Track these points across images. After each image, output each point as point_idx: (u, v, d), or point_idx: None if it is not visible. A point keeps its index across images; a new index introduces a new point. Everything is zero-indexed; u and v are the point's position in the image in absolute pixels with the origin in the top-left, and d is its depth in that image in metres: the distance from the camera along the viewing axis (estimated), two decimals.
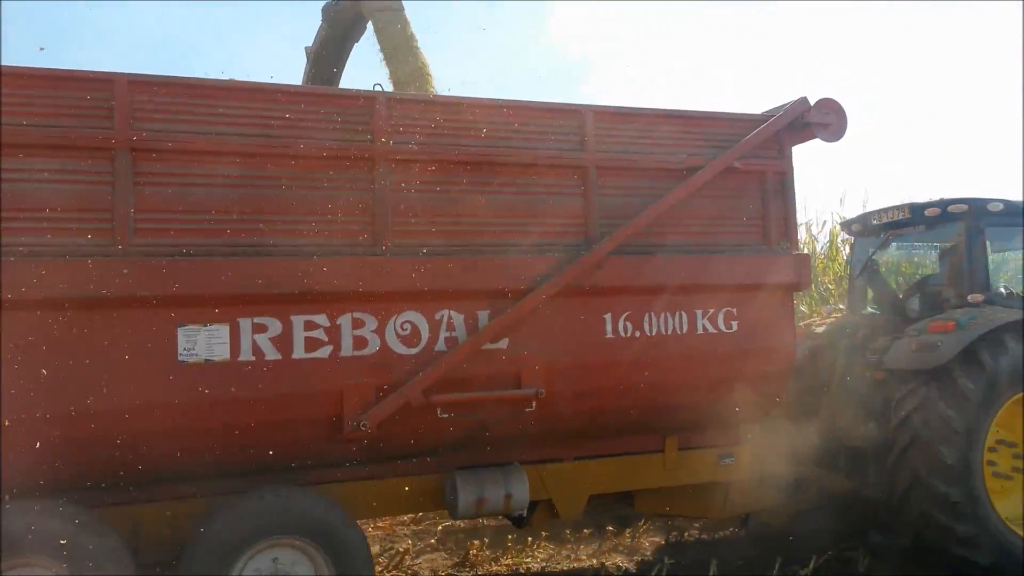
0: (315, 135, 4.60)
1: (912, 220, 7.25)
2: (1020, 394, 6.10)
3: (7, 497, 4.04)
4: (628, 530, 7.40)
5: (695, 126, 5.51)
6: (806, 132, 5.69)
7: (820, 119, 5.63)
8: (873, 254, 7.73)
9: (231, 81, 4.50)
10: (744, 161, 5.51)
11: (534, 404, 4.90)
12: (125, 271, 4.18)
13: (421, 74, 6.69)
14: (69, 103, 4.22)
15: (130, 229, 4.23)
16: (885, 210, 7.49)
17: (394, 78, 6.90)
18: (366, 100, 4.74)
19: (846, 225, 8.32)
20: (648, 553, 7.15)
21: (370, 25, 7.39)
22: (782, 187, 5.69)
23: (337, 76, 8.49)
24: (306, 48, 8.52)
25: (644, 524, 7.44)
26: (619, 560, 6.91)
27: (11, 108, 4.11)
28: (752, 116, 5.71)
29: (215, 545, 4.33)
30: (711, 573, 5.98)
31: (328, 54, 8.32)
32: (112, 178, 4.23)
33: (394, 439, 4.73)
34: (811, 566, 6.06)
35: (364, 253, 4.66)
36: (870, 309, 7.87)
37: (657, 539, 7.49)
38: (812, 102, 5.62)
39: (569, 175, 5.14)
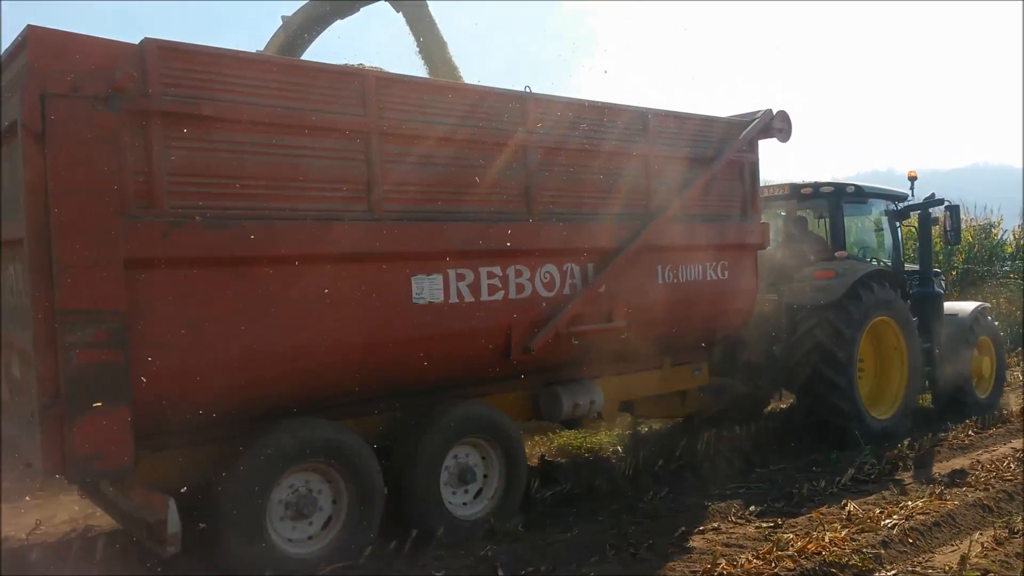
0: (493, 125, 5.88)
1: (789, 196, 9.81)
2: (875, 319, 8.86)
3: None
4: None
5: (706, 126, 7.43)
6: (767, 134, 7.85)
7: (778, 125, 7.82)
8: None
9: (444, 81, 5.62)
10: (734, 154, 7.54)
11: (625, 333, 6.62)
12: (384, 232, 5.26)
13: (450, 67, 7.88)
14: (332, 93, 5.15)
15: (381, 199, 5.29)
16: (767, 186, 9.97)
17: (429, 69, 8.01)
18: (514, 98, 6.06)
19: None
20: None
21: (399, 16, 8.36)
22: (753, 173, 7.82)
23: (306, 44, 9.25)
24: (283, 16, 9.14)
25: None
26: None
27: (289, 94, 4.98)
28: (738, 120, 7.75)
29: (434, 442, 5.61)
30: None
31: (308, 26, 9.05)
32: (366, 156, 5.25)
33: (535, 361, 6.21)
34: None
35: (522, 219, 6.04)
36: None
37: None
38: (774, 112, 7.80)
39: (638, 161, 6.82)
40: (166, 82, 4.47)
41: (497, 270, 5.90)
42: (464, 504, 5.89)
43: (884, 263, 10.21)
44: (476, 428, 5.89)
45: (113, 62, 4.30)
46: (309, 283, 4.99)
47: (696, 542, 5.65)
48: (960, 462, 7.85)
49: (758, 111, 7.80)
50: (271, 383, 4.94)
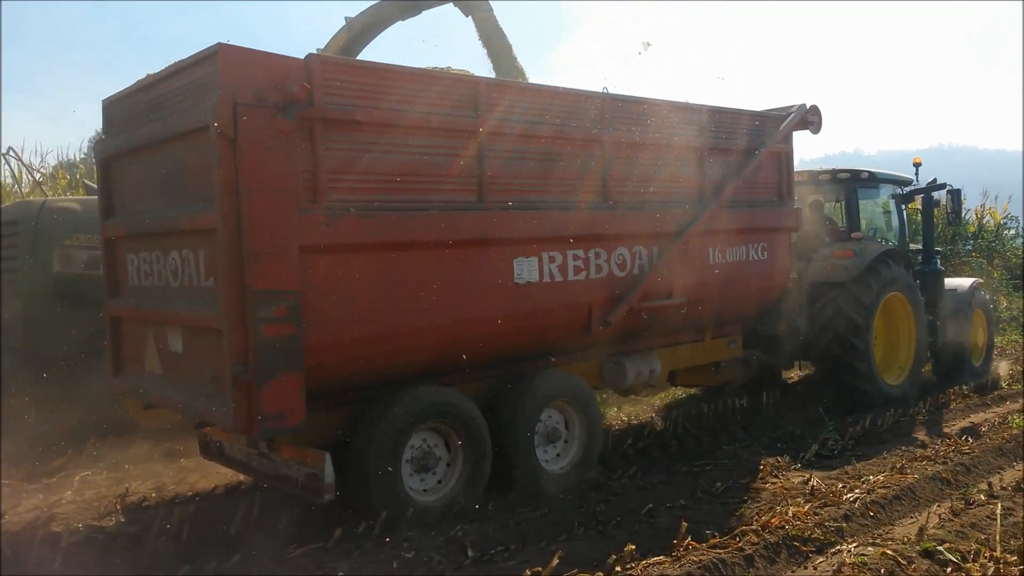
0: (578, 123, 6.58)
1: (808, 181, 10.62)
2: (888, 294, 9.73)
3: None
4: None
5: (750, 120, 8.19)
6: (802, 126, 8.63)
7: (811, 118, 8.61)
8: None
9: (538, 84, 6.31)
10: (773, 144, 8.32)
11: (684, 308, 7.41)
12: (493, 220, 5.98)
13: (516, 69, 8.54)
14: (450, 98, 5.82)
15: (486, 190, 6.00)
16: None
17: (497, 72, 8.65)
18: (595, 99, 6.75)
19: None
20: None
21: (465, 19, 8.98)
22: (788, 162, 8.62)
23: (367, 44, 9.82)
24: (346, 17, 9.69)
25: None
26: None
27: (418, 100, 5.65)
28: (776, 113, 8.52)
29: (532, 404, 6.36)
30: None
31: (372, 27, 9.61)
32: (478, 153, 5.94)
33: (609, 333, 6.98)
34: None
35: (600, 208, 6.77)
36: None
37: None
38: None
39: (692, 153, 7.57)
40: (327, 92, 5.13)
41: (581, 253, 6.64)
42: (547, 461, 6.65)
43: (892, 243, 11.09)
44: (564, 394, 6.66)
45: (287, 75, 4.95)
46: (434, 265, 5.71)
47: (662, 518, 5.76)
48: (921, 436, 8.23)
49: (792, 105, 8.59)
50: (405, 353, 5.67)
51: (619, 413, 9.84)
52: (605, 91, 6.84)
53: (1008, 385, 11.09)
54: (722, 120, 7.84)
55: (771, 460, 7.22)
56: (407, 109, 5.57)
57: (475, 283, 5.97)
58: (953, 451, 7.48)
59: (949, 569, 4.84)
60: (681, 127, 7.43)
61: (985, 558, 4.97)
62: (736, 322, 8.75)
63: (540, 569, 4.54)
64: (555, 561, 4.64)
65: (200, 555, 5.26)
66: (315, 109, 5.06)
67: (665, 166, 7.32)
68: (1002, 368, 12.03)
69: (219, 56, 4.84)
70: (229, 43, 4.87)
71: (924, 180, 11.37)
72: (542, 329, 6.49)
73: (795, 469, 7.06)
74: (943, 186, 11.28)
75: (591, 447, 6.86)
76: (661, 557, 4.87)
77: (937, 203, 11.58)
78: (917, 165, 11.42)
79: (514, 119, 6.16)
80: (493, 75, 8.86)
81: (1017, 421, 8.37)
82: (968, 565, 4.85)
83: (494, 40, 8.80)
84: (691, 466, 7.22)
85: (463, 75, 5.90)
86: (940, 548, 5.08)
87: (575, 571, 4.60)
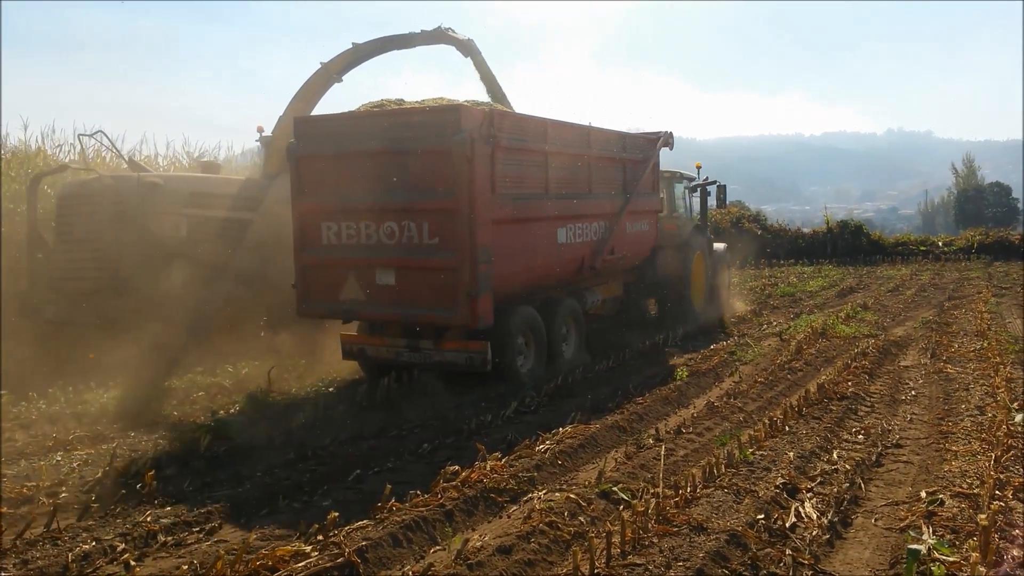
0: (574, 145, 10.70)
1: None
2: (695, 254, 14.94)
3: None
4: None
5: (639, 140, 12.82)
6: (665, 145, 13.45)
7: (670, 141, 13.47)
8: None
9: (562, 121, 10.32)
10: (654, 156, 13.05)
11: (619, 261, 11.88)
12: (552, 204, 9.96)
13: (505, 98, 12.18)
14: (534, 131, 9.68)
15: (550, 187, 9.96)
16: None
17: (492, 99, 12.16)
18: (586, 129, 10.91)
19: None
20: None
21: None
22: (658, 168, 13.40)
23: (363, 63, 12.64)
24: (353, 42, 12.40)
25: None
26: None
27: (527, 133, 9.46)
28: (654, 135, 13.23)
29: (560, 316, 10.47)
30: None
31: (374, 54, 12.49)
32: (544, 164, 9.87)
33: (588, 275, 11.24)
34: None
35: (587, 198, 10.98)
36: None
37: None
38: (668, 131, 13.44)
39: (618, 163, 12.02)
40: (498, 131, 8.79)
41: (580, 225, 10.82)
42: (564, 351, 10.78)
43: (689, 220, 16.43)
44: (571, 312, 10.85)
45: (482, 120, 8.55)
46: (532, 231, 9.61)
47: (369, 482, 5.77)
48: (605, 390, 9.11)
49: (661, 131, 13.40)
50: (521, 283, 9.51)
51: (325, 383, 9.91)
52: (590, 124, 11.04)
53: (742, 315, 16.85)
54: (637, 141, 12.43)
55: (475, 419, 7.60)
56: (520, 139, 9.38)
57: (546, 242, 9.95)
58: (629, 402, 8.21)
59: (621, 507, 5.19)
60: (620, 146, 11.87)
61: (649, 494, 5.37)
62: (624, 271, 13.41)
63: (236, 547, 4.31)
64: (252, 537, 4.38)
65: None
66: (496, 140, 8.73)
67: (615, 170, 11.72)
68: (738, 305, 18.01)
69: (462, 111, 8.36)
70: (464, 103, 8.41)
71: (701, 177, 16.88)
72: (565, 272, 10.61)
73: (497, 426, 7.44)
74: (714, 182, 16.85)
75: (580, 344, 11.10)
76: (365, 521, 4.81)
77: (709, 193, 17.15)
78: (699, 168, 16.89)
79: (558, 142, 10.16)
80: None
81: (682, 373, 9.77)
82: (636, 502, 5.18)
83: (487, 77, 12.27)
84: (401, 429, 7.38)
85: (540, 118, 9.74)
86: (615, 489, 5.50)
87: (274, 545, 4.42)
